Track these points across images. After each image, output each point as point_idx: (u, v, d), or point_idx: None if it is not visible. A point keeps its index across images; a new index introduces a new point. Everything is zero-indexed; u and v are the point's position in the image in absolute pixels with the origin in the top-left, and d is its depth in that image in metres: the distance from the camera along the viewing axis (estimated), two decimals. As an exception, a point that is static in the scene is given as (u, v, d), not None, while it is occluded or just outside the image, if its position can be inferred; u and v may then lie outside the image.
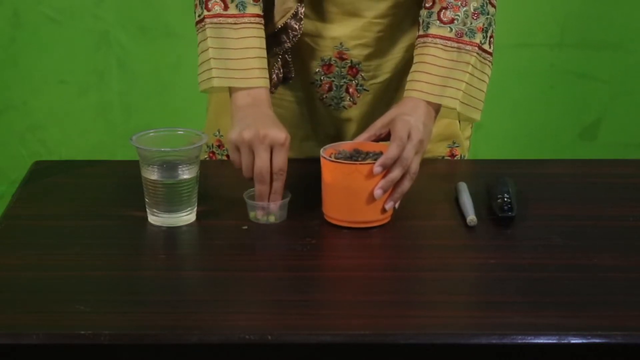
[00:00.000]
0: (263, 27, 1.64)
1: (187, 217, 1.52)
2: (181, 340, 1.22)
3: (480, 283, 1.40)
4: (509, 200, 1.52)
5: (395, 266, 1.44)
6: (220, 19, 1.62)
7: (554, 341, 1.22)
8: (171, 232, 1.50)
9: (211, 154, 1.84)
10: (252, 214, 1.53)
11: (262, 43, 1.63)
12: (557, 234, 1.49)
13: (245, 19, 1.62)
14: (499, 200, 1.53)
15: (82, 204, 1.59)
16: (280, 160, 1.51)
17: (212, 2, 1.62)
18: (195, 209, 1.53)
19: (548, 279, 1.37)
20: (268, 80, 1.61)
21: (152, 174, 1.49)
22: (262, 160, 1.50)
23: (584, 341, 1.23)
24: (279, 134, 1.51)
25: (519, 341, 1.23)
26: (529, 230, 1.51)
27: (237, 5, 1.62)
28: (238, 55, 1.61)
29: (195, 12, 1.66)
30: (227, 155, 1.82)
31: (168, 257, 1.46)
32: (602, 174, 1.74)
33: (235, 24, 1.62)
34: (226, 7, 1.62)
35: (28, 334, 1.23)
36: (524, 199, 1.58)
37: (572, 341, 1.22)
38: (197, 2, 1.65)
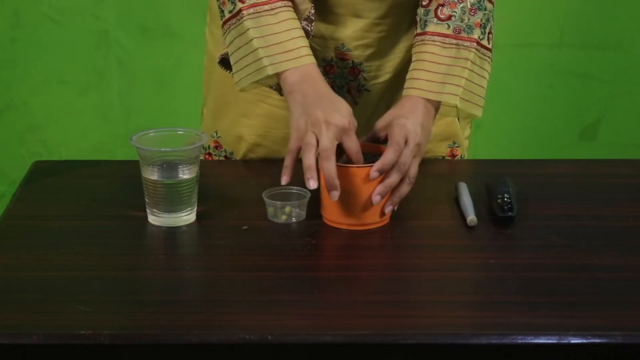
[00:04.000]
0: (294, 10, 1.62)
1: (187, 217, 1.52)
2: (181, 340, 1.22)
3: (480, 283, 1.40)
4: (509, 200, 1.52)
5: (395, 266, 1.44)
6: (257, 7, 1.60)
7: (554, 341, 1.22)
8: (171, 232, 1.50)
9: (207, 155, 1.84)
10: (270, 213, 1.53)
11: (299, 24, 1.61)
12: (557, 234, 1.49)
13: (280, 3, 1.60)
14: (499, 200, 1.53)
15: (82, 204, 1.59)
16: (350, 147, 1.49)
17: None
18: (195, 209, 1.53)
19: (548, 279, 1.37)
20: (314, 58, 1.59)
21: (152, 174, 1.49)
22: (327, 142, 1.47)
23: (584, 341, 1.23)
24: (342, 120, 1.49)
25: (519, 341, 1.23)
26: (529, 230, 1.51)
27: None
28: (283, 38, 1.58)
29: (223, 10, 1.63)
30: (225, 156, 1.83)
31: (168, 257, 1.46)
32: (602, 174, 1.74)
33: (272, 9, 1.60)
34: None
35: (28, 334, 1.23)
36: (524, 199, 1.58)
37: (572, 341, 1.22)
38: None
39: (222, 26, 1.63)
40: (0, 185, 3.06)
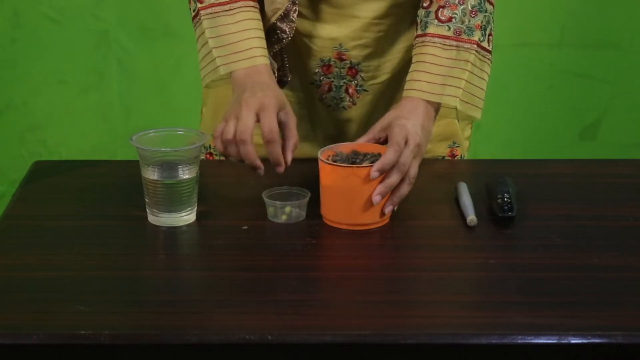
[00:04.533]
0: (258, 10, 1.63)
1: (187, 217, 1.52)
2: (181, 340, 1.22)
3: (480, 283, 1.40)
4: (509, 200, 1.52)
5: (395, 266, 1.44)
6: (215, 7, 1.62)
7: (554, 341, 1.22)
8: (171, 232, 1.50)
9: (208, 155, 1.84)
10: (270, 213, 1.53)
11: (259, 24, 1.62)
12: (557, 234, 1.49)
13: (239, 3, 1.62)
14: (499, 200, 1.53)
15: (82, 204, 1.59)
16: (266, 123, 1.49)
17: None
18: (195, 209, 1.53)
19: (548, 279, 1.37)
20: (267, 59, 1.61)
21: (152, 174, 1.49)
22: (243, 124, 1.48)
23: (584, 341, 1.23)
24: (264, 98, 1.50)
25: (519, 341, 1.23)
26: (529, 230, 1.51)
27: None
28: (237, 38, 1.60)
29: (190, 9, 1.66)
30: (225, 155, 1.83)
31: (168, 257, 1.46)
32: (602, 174, 1.74)
33: (230, 10, 1.62)
34: None
35: (28, 334, 1.23)
36: (524, 199, 1.58)
37: (572, 341, 1.22)
38: None
39: (192, 23, 1.66)
40: (0, 185, 3.06)
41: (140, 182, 1.52)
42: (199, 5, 1.63)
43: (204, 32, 1.63)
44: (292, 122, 1.52)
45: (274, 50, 1.69)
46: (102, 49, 3.00)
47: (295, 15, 1.66)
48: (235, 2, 1.62)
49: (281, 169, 1.50)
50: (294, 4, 1.66)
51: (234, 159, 1.51)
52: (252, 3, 1.63)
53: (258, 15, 1.63)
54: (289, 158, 1.51)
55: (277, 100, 1.52)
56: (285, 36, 1.67)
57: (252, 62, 1.59)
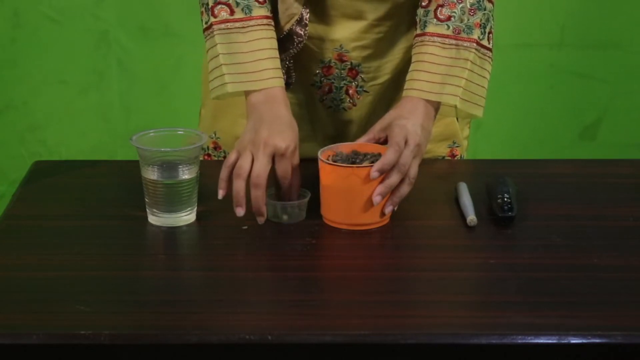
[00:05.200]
0: (273, 28, 1.63)
1: (187, 217, 1.52)
2: (181, 340, 1.22)
3: (480, 283, 1.40)
4: (509, 200, 1.52)
5: (395, 266, 1.44)
6: (228, 24, 1.61)
7: (554, 341, 1.22)
8: (171, 232, 1.50)
9: (206, 156, 1.84)
10: (270, 213, 1.53)
11: (273, 44, 1.62)
12: (557, 234, 1.49)
13: (253, 22, 1.61)
14: (499, 200, 1.53)
15: (82, 204, 1.59)
16: (281, 170, 1.51)
17: (218, 8, 1.61)
18: (195, 209, 1.53)
19: (548, 279, 1.37)
20: (282, 80, 1.60)
21: (152, 174, 1.49)
22: (260, 167, 1.49)
23: (584, 341, 1.23)
24: (282, 142, 1.50)
25: (519, 341, 1.23)
26: (529, 230, 1.51)
27: (242, 9, 1.61)
28: (249, 59, 1.60)
29: (201, 19, 1.65)
30: (224, 157, 1.83)
31: (168, 257, 1.46)
32: (602, 174, 1.74)
33: (243, 27, 1.61)
34: (232, 12, 1.61)
35: (28, 334, 1.23)
36: (524, 199, 1.58)
37: (572, 341, 1.22)
38: (203, 9, 1.63)
39: (203, 34, 1.65)
40: (0, 185, 3.06)
41: (140, 182, 1.52)
42: (213, 19, 1.61)
43: (215, 46, 1.61)
44: (297, 166, 1.53)
45: (290, 55, 1.69)
46: (102, 49, 3.00)
47: (307, 19, 1.66)
48: (249, 19, 1.61)
49: (262, 220, 1.50)
50: (306, 7, 1.66)
51: (233, 192, 1.49)
52: (266, 21, 1.62)
53: (272, 34, 1.62)
54: (294, 197, 1.53)
55: (294, 144, 1.52)
56: (300, 40, 1.67)
57: (264, 85, 1.58)
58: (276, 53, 1.61)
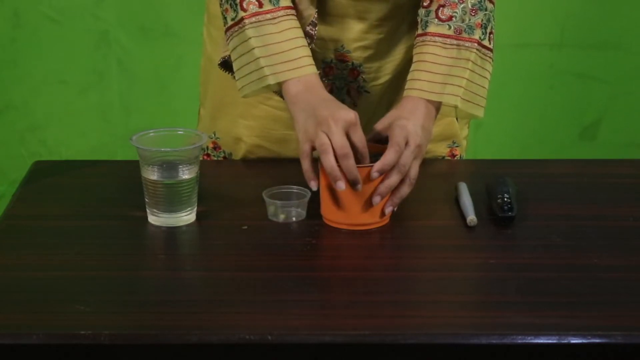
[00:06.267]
0: (297, 18, 1.62)
1: (187, 217, 1.52)
2: (181, 340, 1.22)
3: (480, 283, 1.40)
4: (509, 200, 1.52)
5: (395, 266, 1.44)
6: (259, 17, 1.60)
7: (554, 341, 1.22)
8: (171, 232, 1.50)
9: (206, 156, 1.84)
10: (270, 212, 1.53)
11: (302, 33, 1.61)
12: (557, 234, 1.49)
13: (281, 12, 1.60)
14: (499, 200, 1.53)
15: (82, 204, 1.59)
16: (358, 141, 1.49)
17: (246, 2, 1.61)
18: (195, 209, 1.53)
19: (548, 279, 1.37)
20: (315, 67, 1.59)
21: (152, 174, 1.49)
22: (340, 138, 1.47)
23: (584, 341, 1.23)
24: (348, 114, 1.49)
25: (519, 341, 1.23)
26: (529, 230, 1.51)
27: (270, 1, 1.60)
28: (285, 48, 1.59)
29: (225, 17, 1.63)
30: (224, 157, 1.83)
31: (168, 257, 1.46)
32: (602, 174, 1.74)
33: (273, 18, 1.60)
34: (261, 5, 1.60)
35: (28, 334, 1.23)
36: (524, 199, 1.58)
37: (572, 341, 1.22)
38: (228, 5, 1.62)
39: (225, 32, 1.63)
40: (0, 185, 3.06)
41: (140, 182, 1.52)
42: (243, 13, 1.60)
43: (246, 41, 1.60)
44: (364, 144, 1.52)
45: None
46: (102, 49, 3.00)
47: (316, 19, 1.66)
48: (278, 10, 1.60)
49: (360, 187, 1.48)
50: (316, 9, 1.66)
51: (327, 170, 1.48)
52: (292, 12, 1.61)
53: (299, 24, 1.62)
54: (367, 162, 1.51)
55: (357, 115, 1.51)
56: (311, 40, 1.67)
57: (303, 72, 1.57)
58: (305, 42, 1.61)
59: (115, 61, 3.01)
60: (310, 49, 1.70)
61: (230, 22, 1.62)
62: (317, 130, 1.49)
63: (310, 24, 1.66)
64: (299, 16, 1.65)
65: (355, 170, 1.47)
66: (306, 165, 1.50)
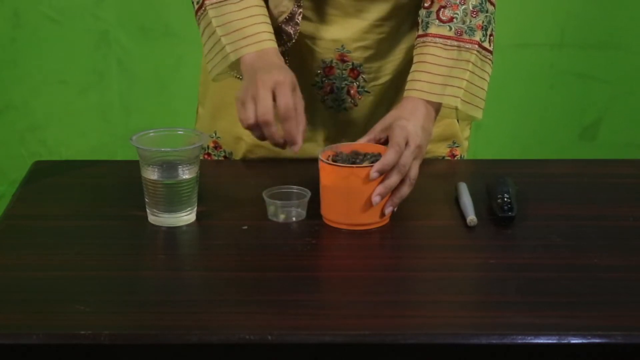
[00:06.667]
0: (263, 1, 1.63)
1: (187, 217, 1.52)
2: (181, 340, 1.22)
3: (480, 283, 1.40)
4: (509, 200, 1.52)
5: (395, 266, 1.44)
6: None
7: (554, 341, 1.22)
8: (171, 232, 1.50)
9: (206, 155, 1.84)
10: (270, 212, 1.53)
11: (265, 11, 1.62)
12: (557, 234, 1.49)
13: None
14: (499, 200, 1.53)
15: (82, 204, 1.59)
16: (283, 103, 1.49)
17: None
18: (195, 209, 1.53)
19: (548, 279, 1.37)
20: (275, 43, 1.60)
21: (152, 174, 1.49)
22: (263, 100, 1.48)
23: (584, 341, 1.23)
24: (279, 77, 1.49)
25: (519, 341, 1.23)
26: (529, 230, 1.51)
27: None
28: (243, 25, 1.60)
29: (193, 6, 1.65)
30: (225, 157, 1.83)
31: (168, 257, 1.46)
32: (602, 174, 1.74)
33: None
34: None
35: (28, 334, 1.23)
36: (524, 199, 1.58)
37: (572, 341, 1.22)
38: None
39: (195, 18, 1.65)
40: (0, 185, 3.06)
41: (140, 182, 1.52)
42: None
43: (210, 23, 1.62)
44: (301, 105, 1.52)
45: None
46: (102, 49, 3.00)
47: (300, 18, 1.66)
48: None
49: (297, 148, 1.49)
50: (299, 7, 1.66)
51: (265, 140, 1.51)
52: None
53: (263, 3, 1.63)
54: (299, 141, 1.50)
55: (291, 77, 1.52)
56: (289, 39, 1.67)
57: (261, 46, 1.58)
58: (268, 19, 1.62)
59: (115, 61, 3.01)
60: (312, 48, 1.70)
61: (195, 7, 1.64)
62: (247, 94, 1.50)
63: (287, 20, 1.66)
64: (273, 10, 1.65)
65: (277, 136, 1.48)
66: (246, 127, 1.52)
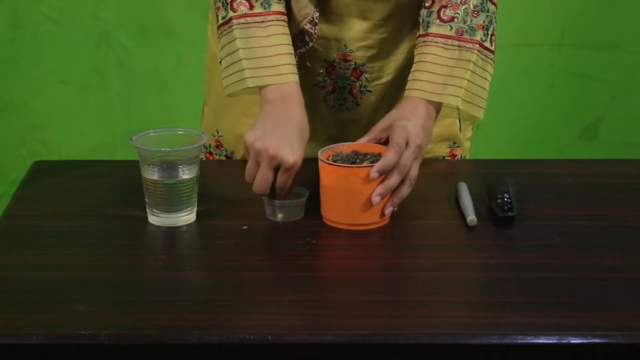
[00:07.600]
0: (287, 24, 1.63)
1: (187, 217, 1.52)
2: (181, 340, 1.22)
3: (480, 283, 1.40)
4: (509, 200, 1.52)
5: (395, 266, 1.44)
6: (247, 18, 1.60)
7: (554, 341, 1.22)
8: (171, 232, 1.50)
9: (208, 154, 1.84)
10: (268, 212, 1.53)
11: (289, 40, 1.61)
12: (557, 234, 1.49)
13: (272, 17, 1.60)
14: (499, 200, 1.53)
15: (82, 204, 1.59)
16: (281, 182, 1.50)
17: (237, 2, 1.61)
18: (195, 209, 1.53)
19: (548, 279, 1.37)
20: (298, 77, 1.60)
21: (152, 174, 1.49)
22: (262, 179, 1.50)
23: (584, 341, 1.23)
24: (288, 158, 1.49)
25: (519, 341, 1.23)
26: (529, 230, 1.51)
27: (262, 4, 1.60)
28: (269, 53, 1.59)
29: (217, 15, 1.63)
30: (226, 156, 1.83)
31: (168, 257, 1.46)
32: (602, 174, 1.74)
33: (262, 22, 1.60)
34: (252, 7, 1.60)
35: (28, 334, 1.23)
36: (524, 199, 1.58)
37: (572, 341, 1.22)
38: (220, 4, 1.62)
39: (217, 30, 1.64)
40: (0, 185, 3.06)
41: (140, 182, 1.52)
42: (232, 13, 1.60)
43: (233, 41, 1.60)
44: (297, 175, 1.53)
45: (298, 54, 1.68)
46: (102, 49, 3.00)
47: (317, 17, 1.66)
48: (268, 14, 1.60)
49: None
50: (316, 7, 1.66)
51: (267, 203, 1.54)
52: (283, 17, 1.61)
53: (288, 30, 1.62)
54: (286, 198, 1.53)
55: (301, 160, 1.51)
56: (310, 38, 1.67)
57: (283, 79, 1.57)
58: (292, 49, 1.61)
59: (115, 61, 3.01)
60: (314, 48, 1.70)
61: (220, 21, 1.63)
62: (252, 156, 1.51)
63: (310, 21, 1.66)
64: (297, 14, 1.65)
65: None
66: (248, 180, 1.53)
